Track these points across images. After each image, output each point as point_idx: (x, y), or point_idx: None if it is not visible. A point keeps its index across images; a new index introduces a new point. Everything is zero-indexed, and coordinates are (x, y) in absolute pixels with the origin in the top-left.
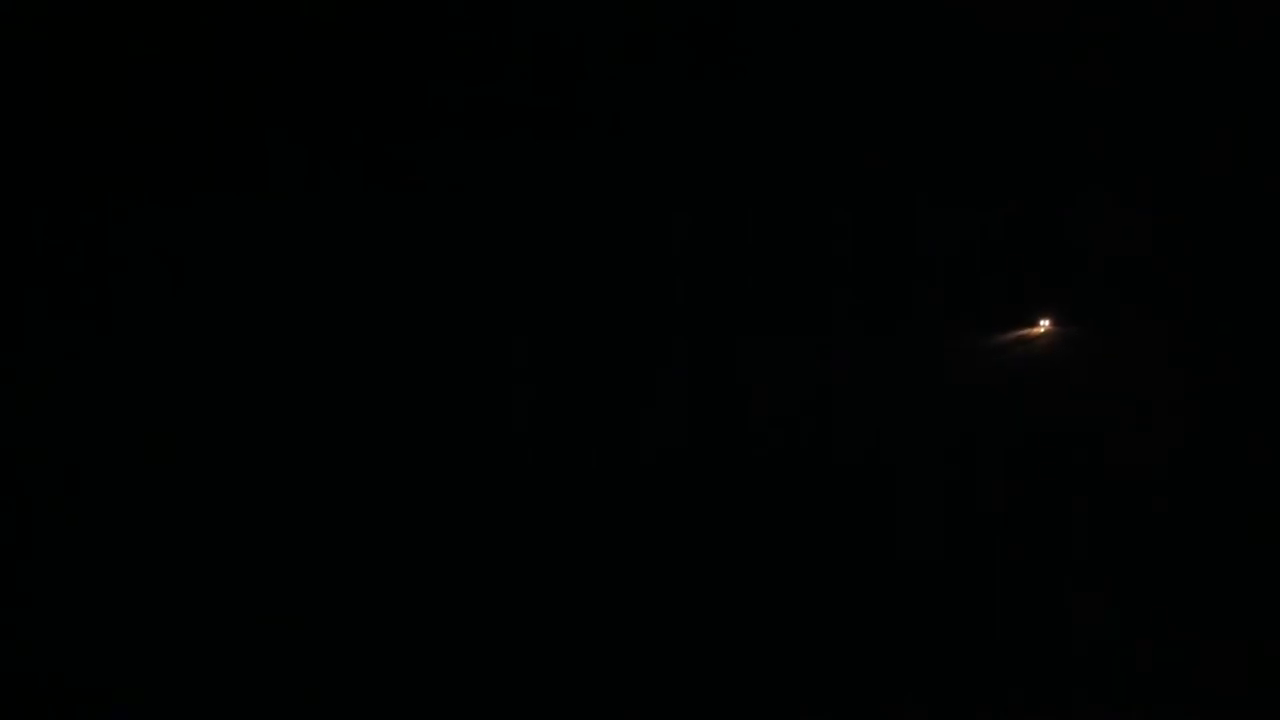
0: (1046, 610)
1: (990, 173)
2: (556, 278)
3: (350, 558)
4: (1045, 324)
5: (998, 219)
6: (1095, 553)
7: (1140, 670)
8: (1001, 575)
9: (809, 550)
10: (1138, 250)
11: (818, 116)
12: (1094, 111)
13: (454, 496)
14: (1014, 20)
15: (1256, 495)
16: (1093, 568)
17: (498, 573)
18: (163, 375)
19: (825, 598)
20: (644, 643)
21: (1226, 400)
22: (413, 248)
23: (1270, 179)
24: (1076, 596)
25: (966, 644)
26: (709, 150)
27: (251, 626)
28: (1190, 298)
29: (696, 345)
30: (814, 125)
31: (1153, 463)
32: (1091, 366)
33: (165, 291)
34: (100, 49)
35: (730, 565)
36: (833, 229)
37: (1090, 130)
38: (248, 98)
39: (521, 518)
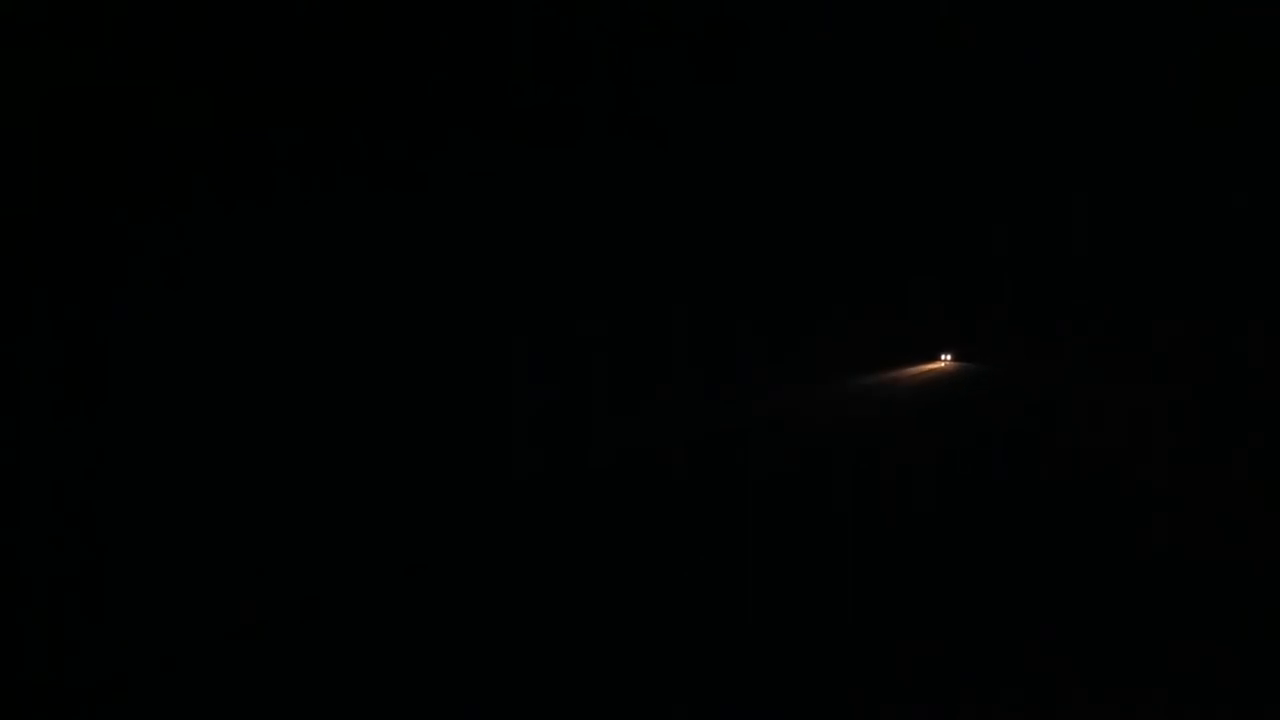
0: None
1: (890, 201)
2: (558, 280)
3: (346, 559)
4: (947, 358)
5: (902, 247)
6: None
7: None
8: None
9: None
10: (1042, 282)
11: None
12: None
13: (454, 499)
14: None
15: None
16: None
17: (497, 573)
18: (163, 378)
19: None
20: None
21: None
22: (415, 252)
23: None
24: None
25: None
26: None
27: (250, 626)
28: (1095, 329)
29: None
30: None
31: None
32: (995, 402)
33: (166, 296)
34: (100, 49)
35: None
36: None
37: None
38: (249, 100)
39: (523, 520)
